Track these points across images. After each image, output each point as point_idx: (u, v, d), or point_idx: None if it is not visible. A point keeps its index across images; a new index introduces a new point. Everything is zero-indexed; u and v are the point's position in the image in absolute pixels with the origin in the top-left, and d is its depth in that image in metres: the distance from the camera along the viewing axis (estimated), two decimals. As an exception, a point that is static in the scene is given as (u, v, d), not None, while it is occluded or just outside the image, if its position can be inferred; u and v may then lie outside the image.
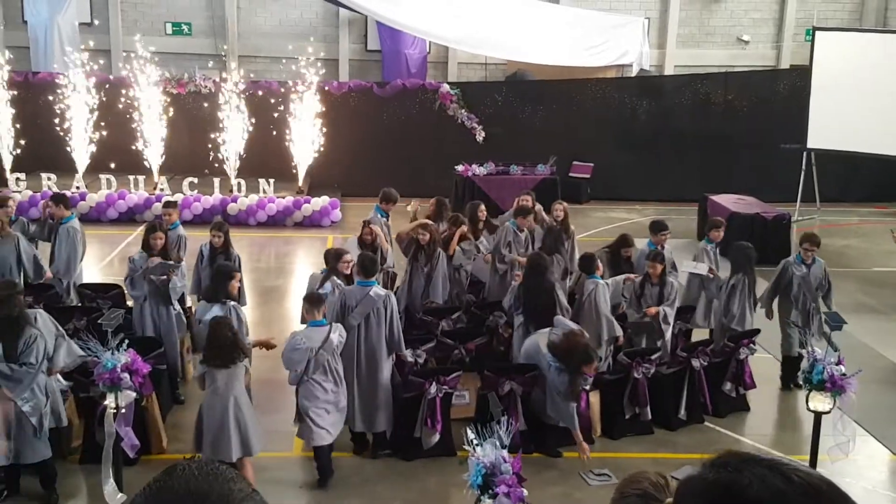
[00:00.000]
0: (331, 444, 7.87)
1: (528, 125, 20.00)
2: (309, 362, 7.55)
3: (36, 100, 18.37)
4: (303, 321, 8.32)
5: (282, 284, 13.74)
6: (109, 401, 6.99)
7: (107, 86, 18.46)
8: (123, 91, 18.00)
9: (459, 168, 18.75)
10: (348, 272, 8.95)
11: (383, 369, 8.21)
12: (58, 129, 17.55)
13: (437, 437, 8.16)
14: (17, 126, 17.76)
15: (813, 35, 18.83)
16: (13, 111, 17.72)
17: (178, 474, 1.23)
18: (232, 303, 8.19)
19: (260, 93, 18.77)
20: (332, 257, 9.24)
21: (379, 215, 11.07)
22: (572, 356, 8.00)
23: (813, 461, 7.45)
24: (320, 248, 15.44)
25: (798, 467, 1.20)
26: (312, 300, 7.84)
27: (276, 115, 18.30)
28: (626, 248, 10.37)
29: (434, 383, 8.13)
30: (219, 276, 8.37)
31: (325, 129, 18.30)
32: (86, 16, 22.89)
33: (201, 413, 7.34)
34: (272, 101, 18.61)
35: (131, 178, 17.51)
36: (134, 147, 17.78)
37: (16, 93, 17.91)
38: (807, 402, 7.51)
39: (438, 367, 8.70)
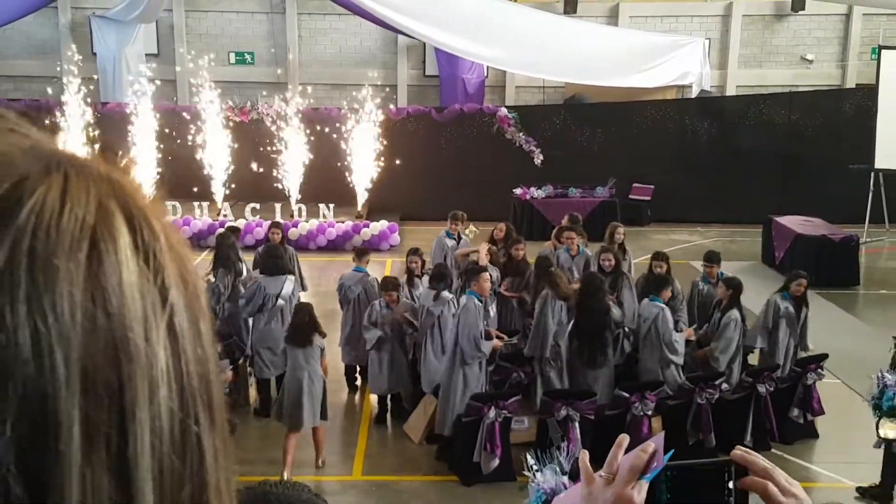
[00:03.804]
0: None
1: (587, 147, 19.91)
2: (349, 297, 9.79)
3: (104, 130, 18.87)
4: None
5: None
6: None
7: (179, 115, 18.92)
8: (188, 119, 18.42)
9: (518, 191, 18.73)
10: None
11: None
12: (128, 158, 17.96)
13: (496, 462, 8.11)
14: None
15: (879, 53, 18.46)
16: (87, 142, 18.24)
17: (260, 487, 1.30)
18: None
19: (320, 119, 19.03)
20: (472, 273, 9.35)
21: (447, 237, 11.32)
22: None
23: (889, 491, 7.21)
24: (379, 272, 15.55)
25: None
26: (358, 251, 10.37)
27: (335, 140, 18.52)
28: (658, 262, 10.24)
29: (493, 408, 8.09)
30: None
31: (383, 155, 18.46)
32: (152, 47, 23.53)
33: (283, 387, 8.32)
34: (332, 127, 18.84)
35: (196, 204, 17.88)
36: (196, 173, 18.17)
37: (88, 122, 18.45)
38: (877, 429, 7.29)
39: (497, 392, 8.66)
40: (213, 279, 9.98)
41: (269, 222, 13.71)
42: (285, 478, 7.80)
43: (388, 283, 9.46)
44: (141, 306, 0.54)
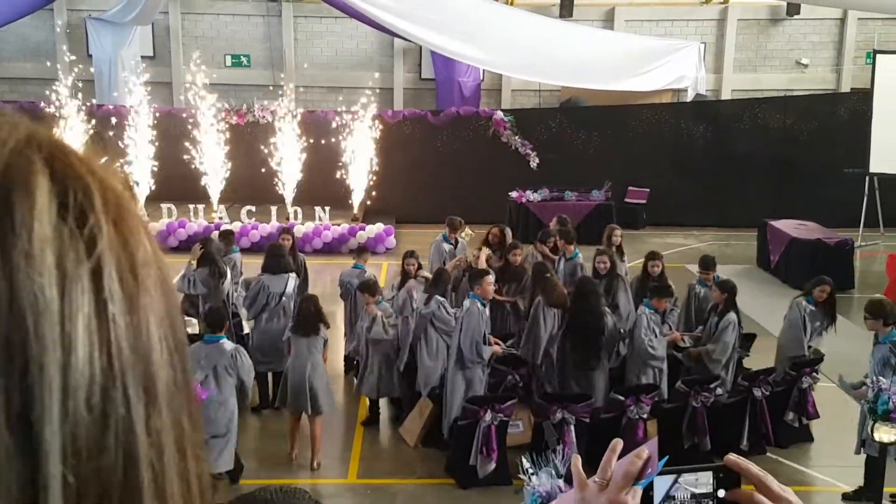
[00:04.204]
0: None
1: (583, 151, 19.94)
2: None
3: (100, 132, 18.84)
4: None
5: (337, 310, 13.83)
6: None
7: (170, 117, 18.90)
8: (183, 121, 18.40)
9: (514, 194, 18.75)
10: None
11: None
12: (123, 160, 17.97)
13: (492, 466, 8.11)
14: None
15: (874, 58, 18.51)
16: (81, 143, 18.22)
17: (261, 494, 1.31)
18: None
19: (316, 122, 19.02)
20: (475, 276, 9.29)
21: (444, 242, 11.33)
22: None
23: (879, 494, 7.23)
24: (375, 275, 15.57)
25: None
26: (358, 250, 11.18)
27: (332, 143, 18.52)
28: (654, 262, 10.21)
29: (489, 411, 8.09)
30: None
31: (379, 158, 18.45)
32: (148, 49, 23.51)
33: (286, 373, 8.54)
34: (328, 130, 18.84)
35: (191, 206, 17.85)
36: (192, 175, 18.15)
37: (83, 125, 18.43)
38: (871, 433, 7.30)
39: (493, 395, 8.66)
40: (193, 263, 9.99)
41: (280, 226, 13.80)
42: (293, 458, 8.30)
43: (365, 286, 9.45)
44: (55, 257, 0.50)
